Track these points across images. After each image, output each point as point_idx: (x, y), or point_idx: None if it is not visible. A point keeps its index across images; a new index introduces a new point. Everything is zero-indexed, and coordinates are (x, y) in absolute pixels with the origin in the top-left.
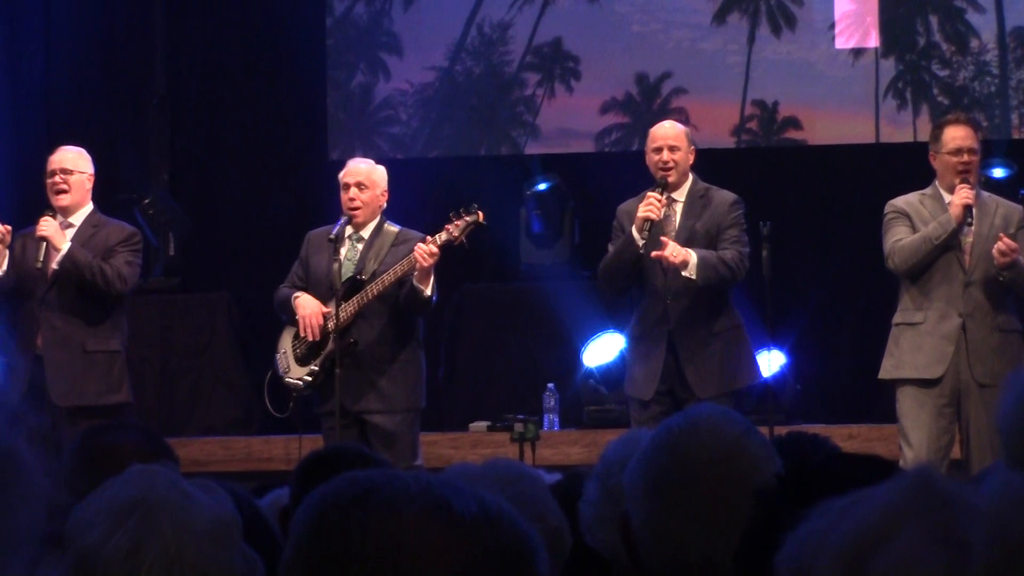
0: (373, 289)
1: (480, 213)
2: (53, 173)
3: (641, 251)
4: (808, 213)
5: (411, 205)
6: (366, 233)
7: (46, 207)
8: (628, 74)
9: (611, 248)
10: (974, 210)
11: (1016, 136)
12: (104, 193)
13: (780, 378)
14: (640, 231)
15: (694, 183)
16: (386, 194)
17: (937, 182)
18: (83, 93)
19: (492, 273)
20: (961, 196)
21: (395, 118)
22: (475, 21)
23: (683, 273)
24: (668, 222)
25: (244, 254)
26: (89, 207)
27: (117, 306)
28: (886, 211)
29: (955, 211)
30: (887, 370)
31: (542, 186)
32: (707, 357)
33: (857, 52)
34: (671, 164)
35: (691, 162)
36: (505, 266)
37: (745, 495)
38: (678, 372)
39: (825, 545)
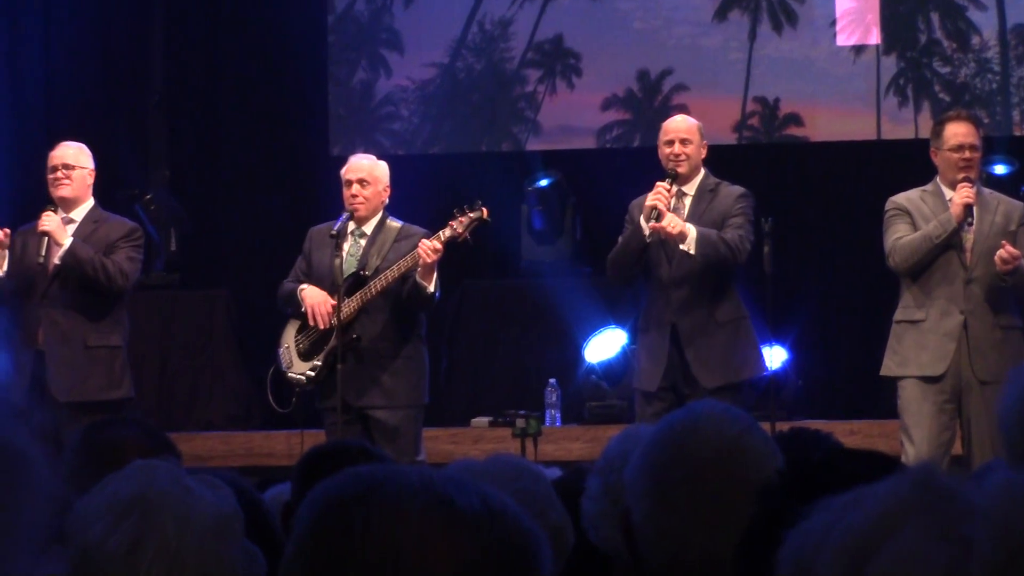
0: (376, 285)
1: (484, 210)
2: (55, 169)
3: (648, 240)
4: (809, 210)
5: (412, 202)
6: (368, 229)
7: (47, 202)
8: (629, 71)
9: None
10: (975, 208)
11: (1017, 133)
12: (105, 189)
13: (782, 374)
14: (647, 220)
15: (705, 178)
16: (388, 190)
17: (938, 179)
18: (83, 89)
19: (493, 269)
20: (962, 195)
21: (396, 115)
22: (476, 18)
23: (681, 246)
24: (677, 215)
25: (245, 250)
26: (90, 203)
27: (118, 302)
28: (887, 208)
29: (955, 210)
30: (889, 367)
31: (543, 182)
32: (711, 347)
33: (858, 49)
34: (682, 157)
35: (703, 156)
36: (506, 262)
37: (747, 492)
38: (682, 364)
39: (827, 541)
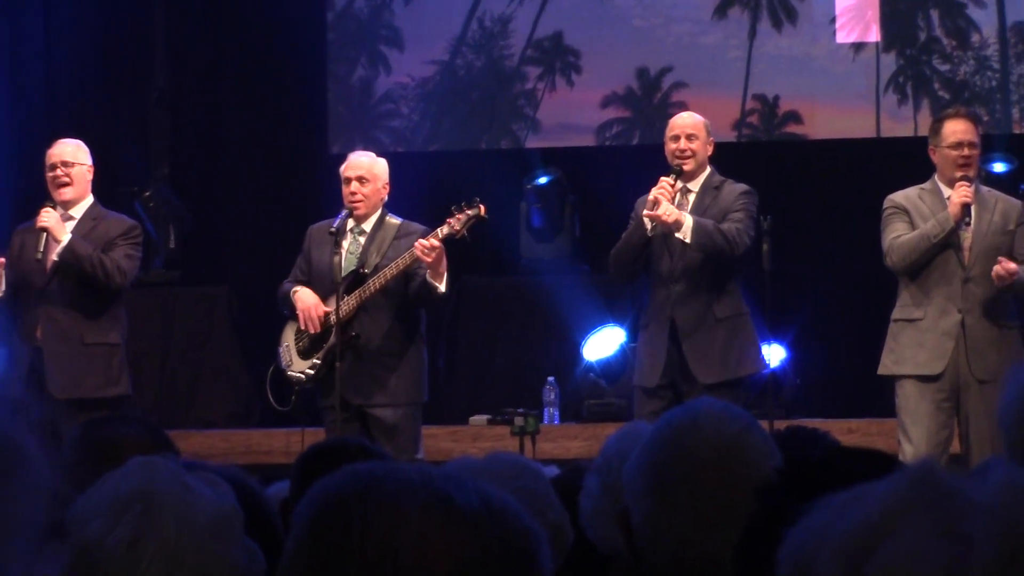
0: (375, 283)
1: (482, 207)
2: (54, 167)
3: (650, 234)
4: (809, 207)
5: (411, 199)
6: (368, 226)
7: (47, 199)
8: (629, 68)
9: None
10: (972, 207)
11: (1016, 131)
12: (105, 186)
13: (780, 372)
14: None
15: (710, 175)
16: (387, 187)
17: (936, 176)
18: (84, 86)
19: (492, 267)
20: (960, 194)
21: (396, 112)
22: (476, 15)
23: (676, 235)
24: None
25: (244, 247)
26: (89, 199)
27: (116, 299)
28: (885, 207)
29: (953, 210)
30: (887, 366)
31: (542, 180)
32: (710, 342)
33: (858, 46)
34: (688, 152)
35: (709, 153)
36: (505, 260)
37: (745, 490)
38: (680, 360)
39: (826, 540)
